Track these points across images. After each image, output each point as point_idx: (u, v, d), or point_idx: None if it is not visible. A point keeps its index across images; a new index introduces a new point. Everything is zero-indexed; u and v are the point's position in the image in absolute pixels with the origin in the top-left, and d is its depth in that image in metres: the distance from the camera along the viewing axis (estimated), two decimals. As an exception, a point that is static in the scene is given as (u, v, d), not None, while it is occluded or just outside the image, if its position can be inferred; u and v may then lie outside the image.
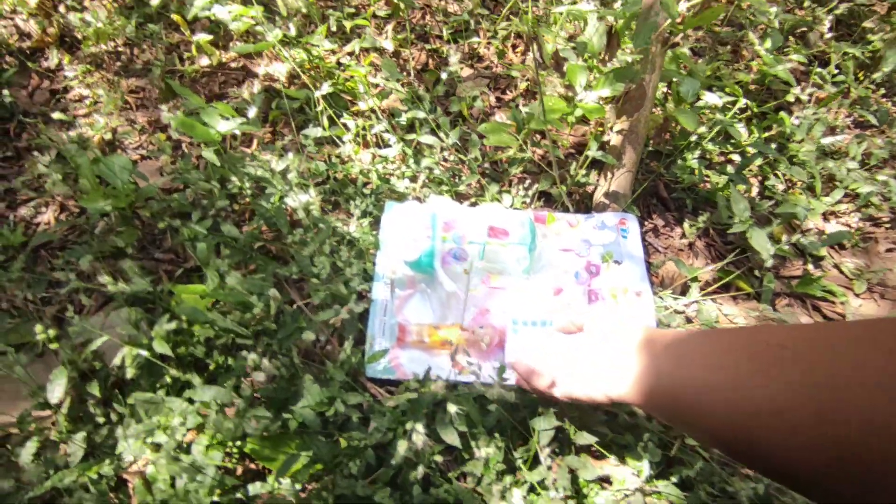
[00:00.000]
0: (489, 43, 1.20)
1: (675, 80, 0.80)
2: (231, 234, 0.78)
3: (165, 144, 0.89)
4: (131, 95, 1.04)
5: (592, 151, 0.81)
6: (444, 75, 1.09)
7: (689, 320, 0.84)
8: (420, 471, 0.57)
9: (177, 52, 1.11)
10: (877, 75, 1.15)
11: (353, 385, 0.69)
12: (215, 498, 0.57)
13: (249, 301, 0.67)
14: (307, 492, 0.62)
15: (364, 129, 0.97)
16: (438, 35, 1.22)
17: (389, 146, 0.95)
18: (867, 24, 1.31)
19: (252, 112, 0.86)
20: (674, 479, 0.64)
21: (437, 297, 0.79)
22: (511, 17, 1.22)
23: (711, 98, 0.93)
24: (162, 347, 0.62)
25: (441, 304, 0.78)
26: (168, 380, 0.65)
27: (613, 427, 0.69)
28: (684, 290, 0.87)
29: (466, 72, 1.16)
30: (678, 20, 0.78)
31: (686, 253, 0.95)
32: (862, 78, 1.23)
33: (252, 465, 0.66)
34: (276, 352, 0.71)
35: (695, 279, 0.85)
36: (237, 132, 0.92)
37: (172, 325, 0.62)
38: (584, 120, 1.05)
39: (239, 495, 0.59)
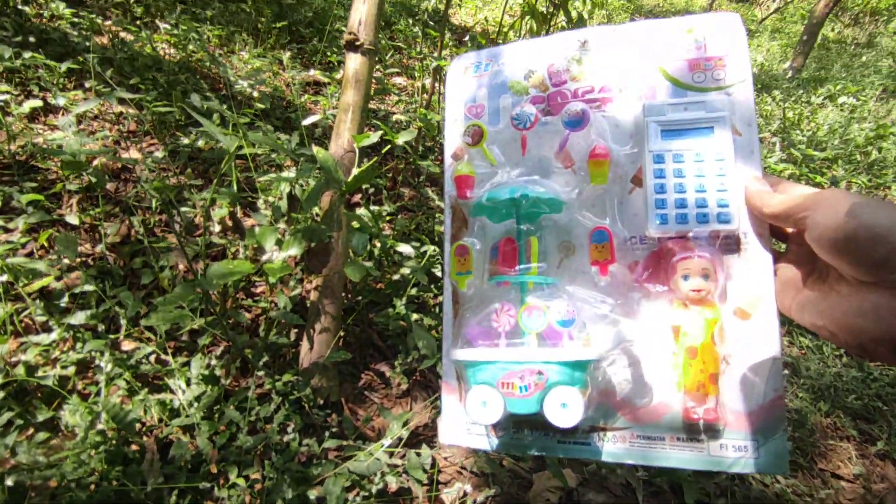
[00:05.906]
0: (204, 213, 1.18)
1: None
2: None
3: None
4: None
5: (275, 312, 0.77)
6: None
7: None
8: None
9: None
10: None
11: None
12: None
13: None
14: None
15: (12, 314, 0.81)
16: (148, 206, 1.16)
17: (49, 331, 0.80)
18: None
19: None
20: None
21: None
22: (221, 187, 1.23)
23: (405, 249, 1.00)
24: None
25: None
26: None
27: None
28: (398, 442, 0.83)
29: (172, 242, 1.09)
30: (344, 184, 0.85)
31: (405, 401, 0.93)
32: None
33: None
34: None
35: (405, 424, 0.82)
36: None
37: None
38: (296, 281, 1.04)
39: None
